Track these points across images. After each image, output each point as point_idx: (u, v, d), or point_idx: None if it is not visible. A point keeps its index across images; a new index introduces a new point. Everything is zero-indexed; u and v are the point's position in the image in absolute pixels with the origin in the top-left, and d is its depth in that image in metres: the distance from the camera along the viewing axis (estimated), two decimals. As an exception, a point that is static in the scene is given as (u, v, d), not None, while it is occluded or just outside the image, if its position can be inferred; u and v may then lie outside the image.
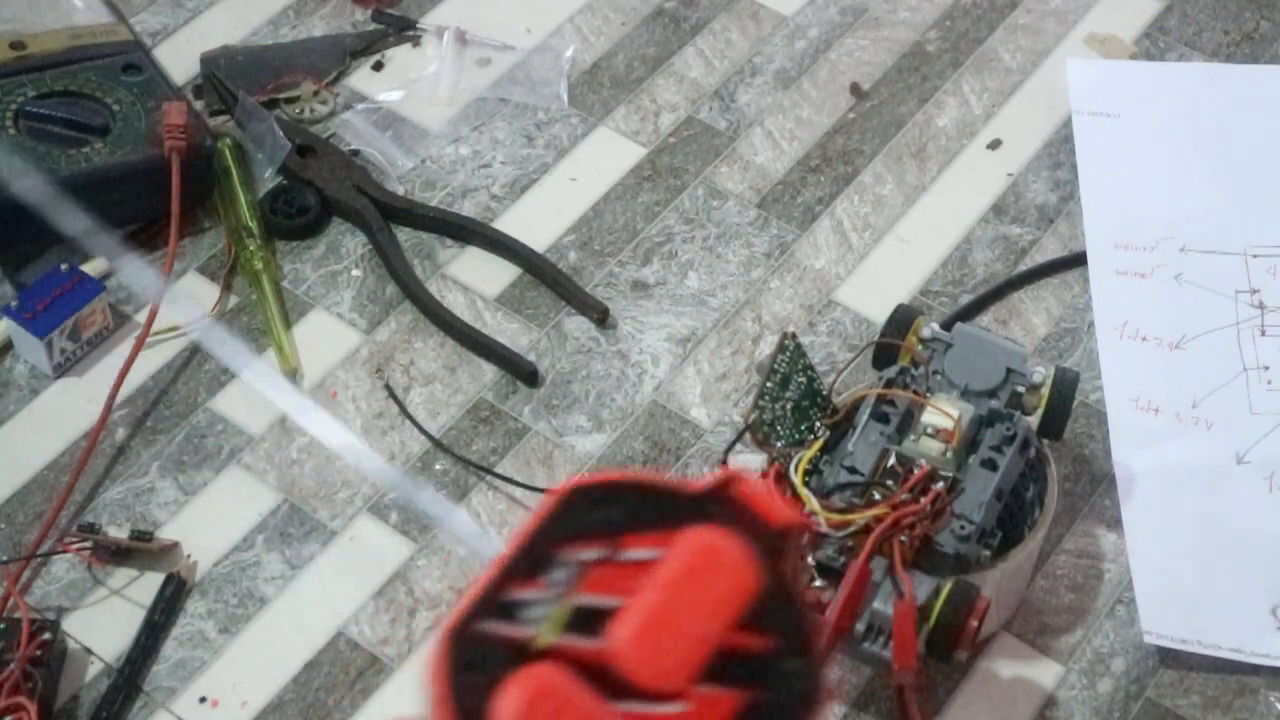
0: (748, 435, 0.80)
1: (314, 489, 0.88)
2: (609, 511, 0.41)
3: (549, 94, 1.08)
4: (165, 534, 0.86)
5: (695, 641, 0.39)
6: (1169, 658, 0.83)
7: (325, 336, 0.95)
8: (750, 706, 0.40)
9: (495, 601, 0.40)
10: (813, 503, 0.76)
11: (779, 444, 0.80)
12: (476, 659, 0.40)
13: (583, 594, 0.40)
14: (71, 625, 0.82)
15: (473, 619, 0.40)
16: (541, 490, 0.88)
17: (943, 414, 0.80)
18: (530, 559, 0.40)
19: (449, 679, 0.40)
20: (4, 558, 0.84)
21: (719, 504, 0.42)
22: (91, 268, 0.96)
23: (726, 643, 0.40)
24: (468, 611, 0.40)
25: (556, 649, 0.39)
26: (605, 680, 0.39)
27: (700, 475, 0.89)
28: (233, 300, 0.96)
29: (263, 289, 0.95)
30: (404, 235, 1.00)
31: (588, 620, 0.39)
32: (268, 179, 1.01)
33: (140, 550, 0.84)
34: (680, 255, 0.99)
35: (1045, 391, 0.83)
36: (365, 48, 1.10)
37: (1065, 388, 0.83)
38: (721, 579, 0.40)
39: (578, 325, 0.96)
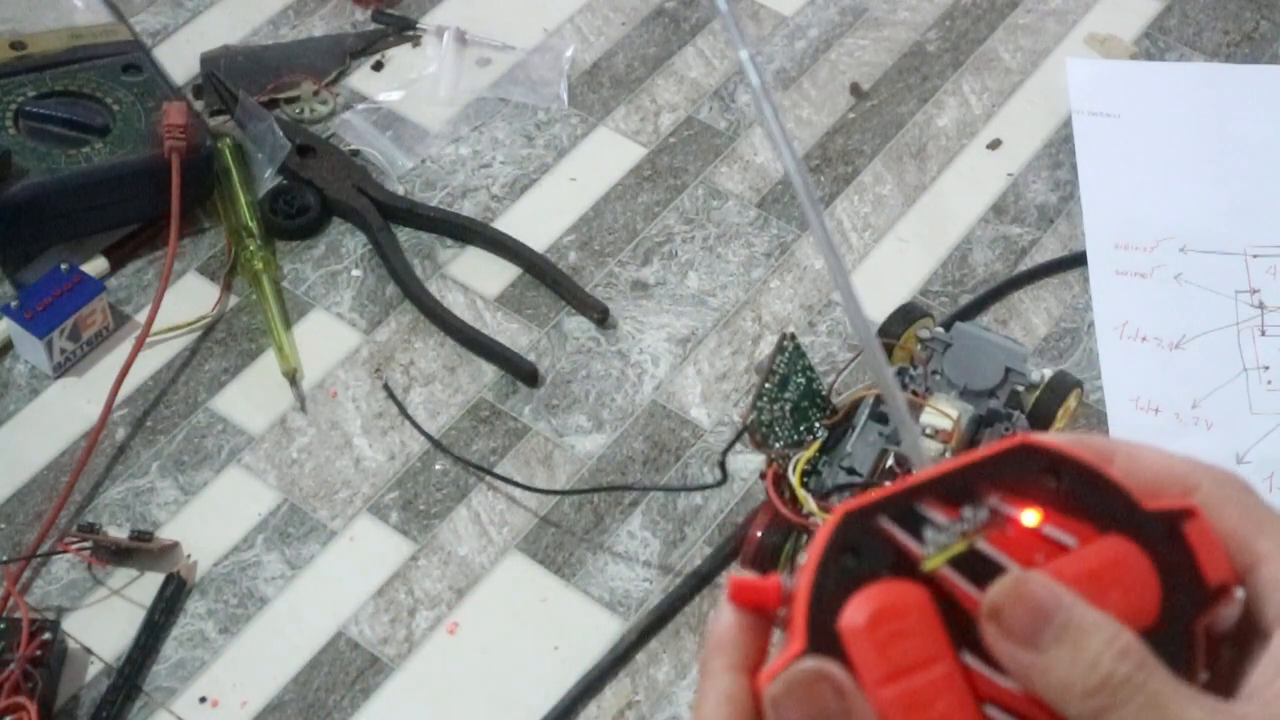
0: (746, 436, 0.80)
1: (314, 489, 0.88)
2: (1050, 480, 0.40)
3: (549, 94, 1.08)
4: (165, 534, 0.86)
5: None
6: (1168, 658, 0.83)
7: (325, 336, 0.95)
8: None
9: (906, 507, 0.40)
10: (811, 504, 0.76)
11: (777, 445, 0.80)
12: (861, 547, 0.40)
13: (986, 542, 0.40)
14: (71, 625, 0.82)
15: (876, 511, 0.40)
16: (542, 490, 0.88)
17: (941, 414, 0.80)
18: (958, 486, 0.40)
19: (826, 553, 0.40)
20: (4, 558, 0.84)
21: (1163, 532, 0.41)
22: (91, 268, 0.96)
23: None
24: (876, 503, 0.40)
25: (936, 577, 0.40)
26: (961, 629, 0.39)
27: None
28: (233, 300, 0.96)
29: (263, 289, 0.95)
30: (404, 235, 1.00)
31: (977, 567, 0.39)
32: (268, 179, 1.01)
33: (140, 550, 0.84)
34: (680, 255, 0.99)
35: (1038, 392, 0.83)
36: (365, 48, 1.10)
37: (1058, 391, 0.83)
38: (1121, 602, 0.39)
39: (578, 325, 0.96)
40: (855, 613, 0.39)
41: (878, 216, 1.02)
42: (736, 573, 0.85)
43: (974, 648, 0.39)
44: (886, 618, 0.39)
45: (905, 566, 0.40)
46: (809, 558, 0.40)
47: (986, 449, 0.41)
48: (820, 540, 0.40)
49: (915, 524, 0.40)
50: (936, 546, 0.40)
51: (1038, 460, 0.40)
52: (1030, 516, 0.40)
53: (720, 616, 0.42)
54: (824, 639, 0.40)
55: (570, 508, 0.88)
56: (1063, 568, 0.39)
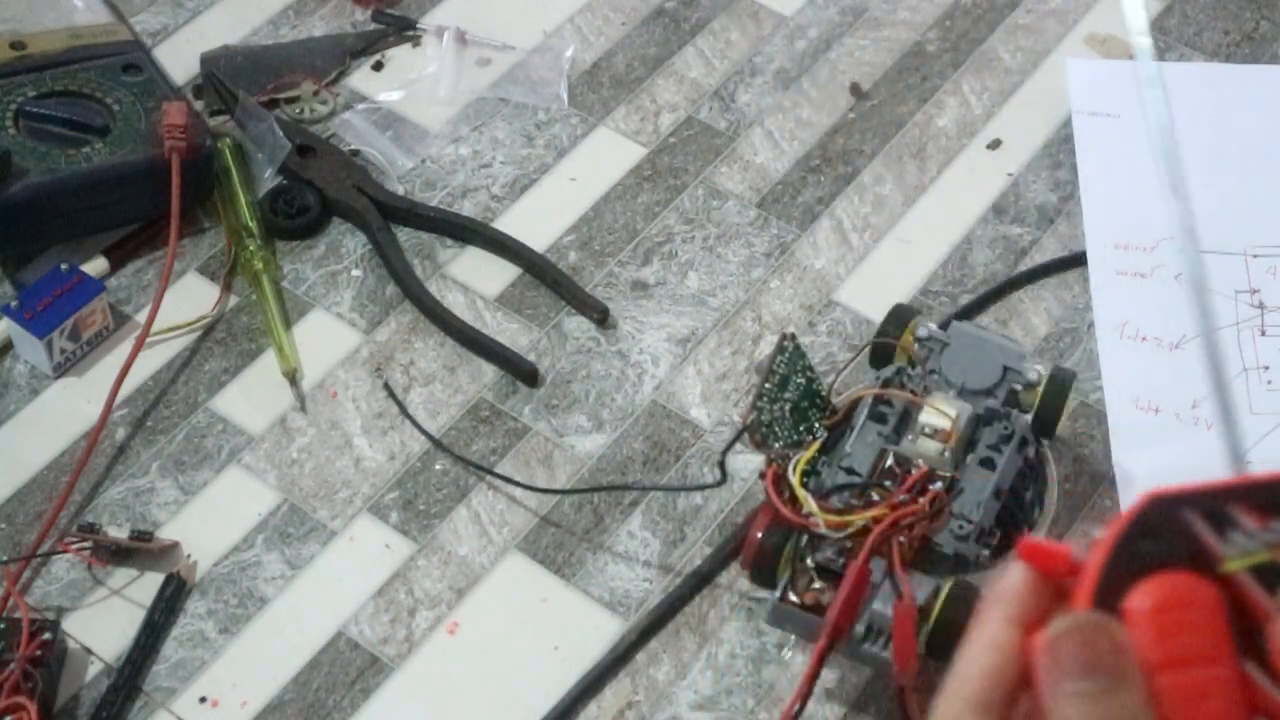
0: (746, 436, 0.80)
1: (314, 489, 0.88)
2: None
3: (549, 94, 1.08)
4: (165, 534, 0.86)
5: None
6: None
7: (325, 336, 0.95)
8: None
9: (1215, 505, 0.40)
10: (811, 504, 0.76)
11: (777, 445, 0.80)
12: (1161, 534, 0.39)
13: None
14: (71, 625, 0.82)
15: (1185, 503, 0.40)
16: (542, 490, 0.88)
17: (940, 414, 0.80)
18: (1268, 497, 0.40)
19: (1126, 532, 0.40)
20: (4, 558, 0.84)
21: None
22: (91, 268, 0.96)
23: None
24: (1185, 494, 0.40)
25: (1231, 580, 0.39)
26: (1247, 637, 0.38)
27: (701, 475, 0.89)
28: (233, 300, 0.96)
29: (263, 289, 0.95)
30: (404, 235, 1.00)
31: (1276, 581, 0.39)
32: (268, 179, 1.01)
33: (140, 550, 0.84)
34: (680, 255, 0.99)
35: (1040, 391, 0.83)
36: (365, 48, 1.10)
37: (1059, 387, 0.83)
38: None
39: (578, 325, 0.96)
40: (1143, 596, 0.39)
41: (878, 216, 1.02)
42: (740, 572, 0.85)
43: (1257, 657, 0.38)
44: (1173, 607, 0.38)
45: (1202, 562, 0.39)
46: (1107, 534, 0.40)
47: None
48: (1122, 519, 0.40)
49: (1221, 523, 0.39)
50: (1240, 550, 0.39)
51: None
52: None
53: (1009, 572, 0.41)
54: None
55: (570, 508, 0.88)
56: None
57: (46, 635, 0.79)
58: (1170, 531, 0.40)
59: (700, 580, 0.85)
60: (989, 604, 0.41)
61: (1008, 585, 0.41)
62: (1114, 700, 0.37)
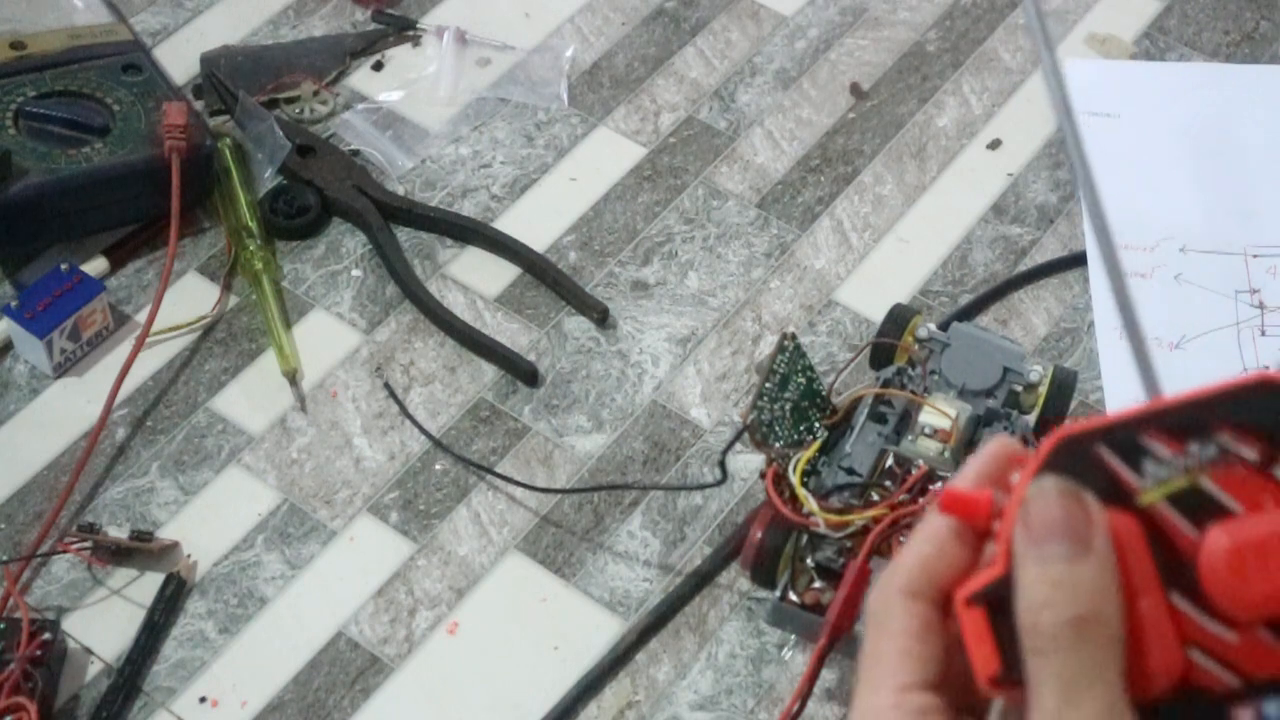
0: (746, 435, 0.80)
1: (314, 489, 0.88)
2: None
3: (549, 94, 1.08)
4: (165, 534, 0.86)
5: None
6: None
7: (325, 336, 0.95)
8: None
9: (1127, 436, 0.38)
10: (811, 503, 0.76)
11: (777, 444, 0.80)
12: (1072, 473, 0.38)
13: (1210, 481, 0.38)
14: (71, 625, 0.82)
15: (1095, 438, 0.38)
16: (542, 490, 0.88)
17: (940, 414, 0.80)
18: (1185, 420, 0.38)
19: (1038, 475, 0.39)
20: (4, 558, 0.84)
21: None
22: (91, 268, 0.96)
23: None
24: (1096, 429, 0.39)
25: (1150, 513, 0.38)
26: (1173, 569, 0.38)
27: (701, 475, 0.89)
28: (233, 300, 0.96)
29: (263, 289, 0.95)
30: (404, 235, 1.00)
31: (1197, 506, 0.38)
32: (268, 179, 1.01)
33: (140, 550, 0.84)
34: (680, 255, 0.99)
35: (1043, 390, 0.83)
36: (365, 48, 1.10)
37: (1063, 386, 0.83)
38: None
39: (578, 325, 0.96)
40: None
41: (878, 216, 1.02)
42: (740, 572, 0.85)
43: (1183, 588, 0.37)
44: None
45: (1120, 497, 0.38)
46: (1021, 478, 0.39)
47: (1223, 384, 0.38)
48: (1034, 462, 0.39)
49: (1135, 455, 0.38)
50: (1155, 480, 0.38)
51: (1277, 398, 0.38)
52: (1263, 457, 0.38)
53: (928, 522, 0.41)
54: None
55: (570, 508, 0.88)
56: None
57: (46, 635, 0.78)
58: (1084, 469, 0.38)
59: (700, 580, 0.85)
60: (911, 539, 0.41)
61: (929, 530, 0.41)
62: (1079, 566, 0.37)
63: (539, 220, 1.01)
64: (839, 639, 0.74)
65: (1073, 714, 0.37)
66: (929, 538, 0.40)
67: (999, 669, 0.39)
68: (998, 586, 0.39)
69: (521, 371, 0.93)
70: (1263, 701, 0.37)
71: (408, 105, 1.07)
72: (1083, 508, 0.37)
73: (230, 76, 1.06)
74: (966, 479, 0.41)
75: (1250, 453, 0.38)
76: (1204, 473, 0.38)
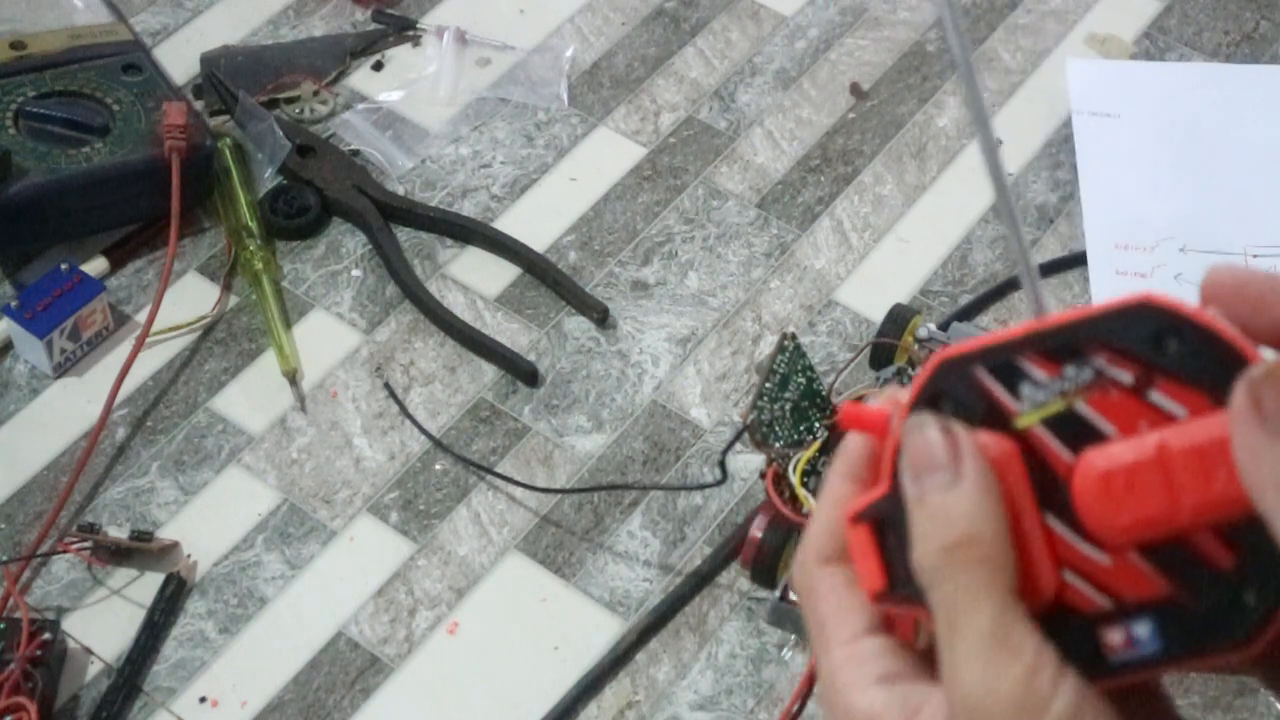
0: (746, 435, 0.80)
1: (314, 489, 0.88)
2: (1169, 343, 0.37)
3: (549, 94, 1.08)
4: (165, 534, 0.86)
5: (1159, 516, 0.37)
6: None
7: (325, 336, 0.95)
8: (1168, 603, 0.37)
9: (1005, 359, 0.38)
10: (811, 503, 0.76)
11: (777, 444, 0.81)
12: (952, 396, 0.39)
13: (1085, 404, 0.37)
14: (71, 625, 0.82)
15: (973, 361, 0.39)
16: (542, 490, 0.88)
17: (942, 414, 0.80)
18: (1061, 342, 0.38)
19: (918, 399, 0.39)
20: (4, 558, 0.84)
21: None
22: (91, 268, 0.96)
23: (1188, 537, 0.37)
24: (973, 352, 0.39)
25: (1027, 436, 0.38)
26: (1047, 490, 0.38)
27: (701, 474, 0.89)
28: (233, 300, 0.96)
29: (263, 289, 0.95)
30: (404, 235, 1.00)
31: (1072, 429, 0.37)
32: (268, 179, 1.01)
33: (140, 550, 0.84)
34: (680, 255, 0.99)
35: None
36: (365, 48, 1.10)
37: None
38: (1228, 481, 0.36)
39: (578, 325, 0.96)
40: None
41: (878, 216, 1.02)
42: (740, 572, 0.85)
43: (1059, 511, 0.38)
44: None
45: (997, 420, 0.38)
46: (908, 398, 0.39)
47: (1101, 305, 0.38)
48: (916, 383, 0.39)
49: (1013, 378, 0.38)
50: (1032, 404, 0.38)
51: (1156, 320, 0.38)
52: (1138, 380, 0.37)
53: (827, 488, 0.42)
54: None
55: (570, 508, 0.88)
56: (1166, 437, 0.36)
57: (46, 635, 0.78)
58: (963, 392, 0.39)
59: (700, 580, 0.85)
60: (834, 461, 0.42)
61: (842, 447, 0.42)
62: (950, 494, 0.38)
63: (539, 220, 1.01)
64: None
65: (957, 640, 0.37)
66: (831, 502, 0.41)
67: (883, 585, 0.40)
68: (881, 504, 0.40)
69: (521, 371, 0.93)
70: (1132, 623, 0.37)
71: (408, 105, 1.07)
72: (951, 438, 0.38)
73: (230, 76, 1.06)
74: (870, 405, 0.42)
75: (1125, 376, 0.37)
76: (1079, 396, 0.38)
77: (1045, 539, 0.38)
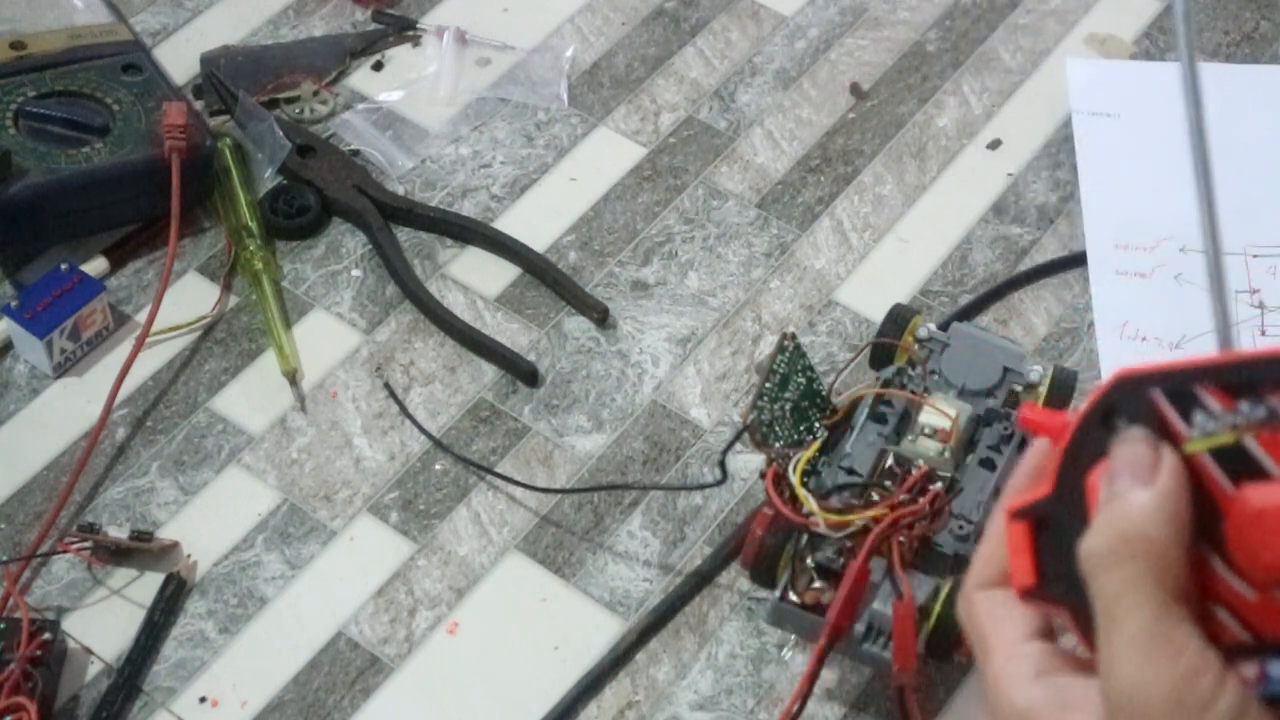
0: (746, 435, 0.80)
1: (314, 489, 0.88)
2: None
3: (549, 94, 1.08)
4: (165, 534, 0.86)
5: None
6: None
7: (325, 336, 0.95)
8: None
9: (1182, 385, 0.39)
10: (811, 504, 0.76)
11: (777, 444, 0.80)
12: (1126, 411, 0.39)
13: (1255, 440, 0.38)
14: (71, 625, 0.82)
15: (1151, 382, 0.39)
16: (542, 490, 0.88)
17: (940, 414, 0.80)
18: (1241, 378, 0.38)
19: (1092, 410, 0.40)
20: (4, 558, 0.84)
21: None
22: (91, 268, 0.96)
23: None
24: (1153, 373, 0.39)
25: (1192, 462, 0.39)
26: (1204, 520, 0.38)
27: (701, 475, 0.89)
28: (233, 300, 0.96)
29: (263, 289, 0.95)
30: (404, 235, 1.00)
31: (1238, 464, 0.38)
32: (268, 179, 1.01)
33: (140, 550, 0.84)
34: (680, 255, 0.99)
35: (1043, 390, 0.83)
36: (365, 48, 1.10)
37: (1063, 387, 0.83)
38: None
39: (578, 325, 0.96)
40: (1110, 472, 0.39)
41: (878, 216, 1.02)
42: (740, 572, 0.85)
43: (1211, 540, 0.38)
44: None
45: (1166, 442, 0.39)
46: (1082, 409, 0.40)
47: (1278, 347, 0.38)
48: (1094, 395, 0.40)
49: (1187, 404, 0.39)
50: (1203, 431, 0.38)
51: None
52: None
53: (991, 527, 0.43)
54: (1071, 489, 0.40)
55: (570, 508, 0.88)
56: None
57: (46, 635, 0.78)
58: (1137, 411, 0.39)
59: (700, 580, 0.85)
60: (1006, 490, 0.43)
61: (1026, 458, 0.43)
62: (1135, 494, 0.38)
63: (539, 220, 1.01)
64: (839, 639, 0.74)
65: (1116, 632, 0.38)
66: (989, 537, 0.43)
67: (1033, 583, 0.41)
68: (1042, 504, 0.41)
69: (521, 371, 0.93)
70: (1268, 660, 0.38)
71: (408, 105, 1.07)
72: (1154, 450, 0.39)
73: (230, 76, 1.06)
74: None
75: None
76: (1250, 432, 0.38)
77: (1199, 568, 0.38)
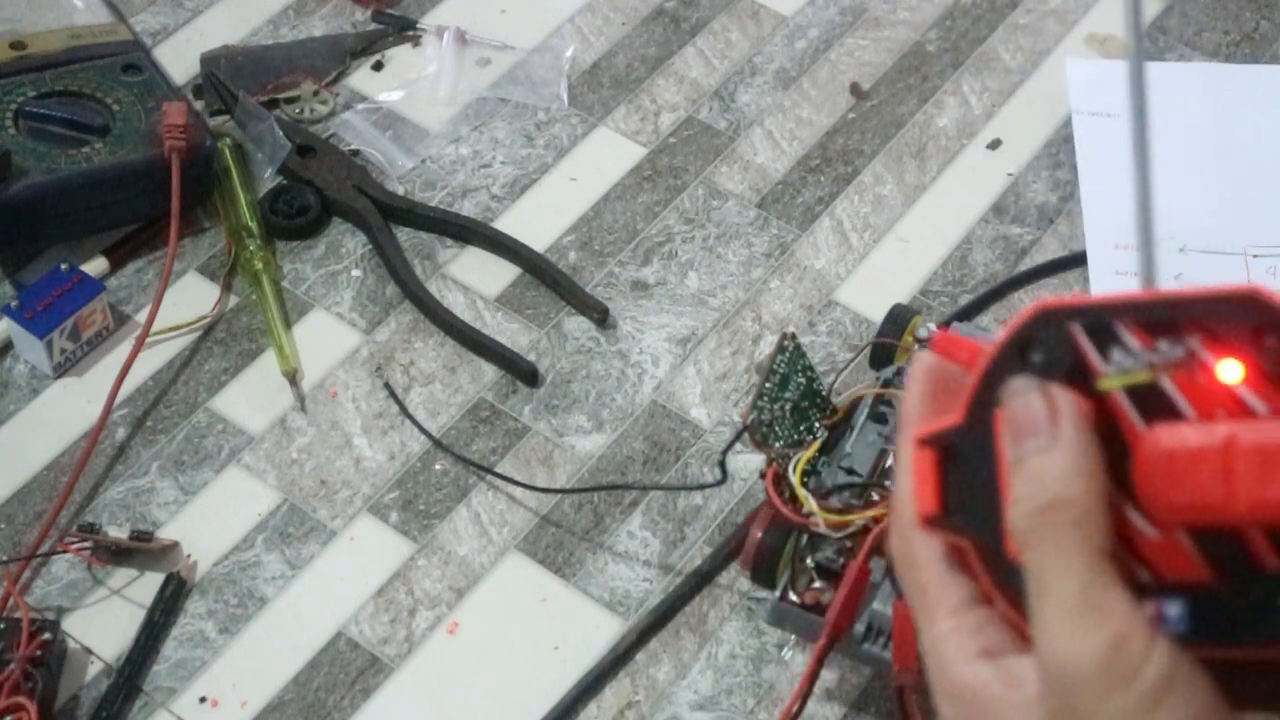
0: (746, 435, 0.80)
1: (314, 489, 0.88)
2: (1268, 340, 0.37)
3: (549, 94, 1.08)
4: (165, 534, 0.86)
5: (1213, 504, 0.36)
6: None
7: (325, 336, 0.95)
8: (1205, 590, 0.37)
9: (1102, 321, 0.39)
10: (811, 503, 0.76)
11: (777, 444, 0.80)
12: (1043, 344, 0.39)
13: (1171, 381, 0.38)
14: (71, 625, 0.82)
15: (1072, 315, 0.39)
16: (542, 490, 0.88)
17: (942, 414, 0.80)
18: (1161, 316, 0.38)
19: (1010, 341, 0.40)
20: (4, 558, 0.84)
21: None
22: (91, 268, 0.96)
23: (1239, 531, 0.37)
24: (1073, 307, 0.39)
25: (1106, 399, 0.38)
26: (1113, 457, 0.38)
27: (701, 475, 0.89)
28: (233, 300, 0.96)
29: (263, 289, 0.95)
30: (404, 235, 1.00)
31: (1151, 402, 0.38)
32: (268, 179, 1.01)
33: (140, 550, 0.84)
34: (680, 255, 0.99)
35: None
36: (365, 48, 1.10)
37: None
38: None
39: (578, 325, 0.96)
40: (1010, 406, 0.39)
41: (878, 216, 1.02)
42: (740, 572, 0.85)
43: (1118, 478, 0.38)
44: None
45: (1080, 377, 0.39)
46: (999, 339, 0.40)
47: (1208, 288, 0.38)
48: (1012, 325, 0.40)
49: (1106, 340, 0.38)
50: (1120, 369, 0.38)
51: (1261, 315, 0.37)
52: (1229, 370, 0.37)
53: (902, 456, 0.42)
54: (980, 418, 0.40)
55: (570, 508, 0.88)
56: (1239, 432, 0.36)
57: (46, 635, 0.78)
58: (1054, 343, 0.39)
59: (700, 580, 0.85)
60: (903, 415, 0.43)
61: (915, 370, 0.42)
62: (1046, 457, 0.38)
63: (539, 220, 1.01)
64: (839, 639, 0.74)
65: (1046, 603, 0.37)
66: (911, 468, 0.42)
67: (934, 511, 0.41)
68: (951, 433, 0.41)
69: (521, 371, 0.93)
70: (1165, 601, 0.37)
71: (408, 105, 1.07)
72: (1052, 401, 0.38)
73: (230, 76, 1.06)
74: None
75: (1217, 362, 0.37)
76: (1166, 371, 0.38)
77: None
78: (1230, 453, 0.36)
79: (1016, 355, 0.40)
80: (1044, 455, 0.38)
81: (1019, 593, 0.39)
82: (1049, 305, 0.39)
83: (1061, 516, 0.37)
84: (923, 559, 0.42)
